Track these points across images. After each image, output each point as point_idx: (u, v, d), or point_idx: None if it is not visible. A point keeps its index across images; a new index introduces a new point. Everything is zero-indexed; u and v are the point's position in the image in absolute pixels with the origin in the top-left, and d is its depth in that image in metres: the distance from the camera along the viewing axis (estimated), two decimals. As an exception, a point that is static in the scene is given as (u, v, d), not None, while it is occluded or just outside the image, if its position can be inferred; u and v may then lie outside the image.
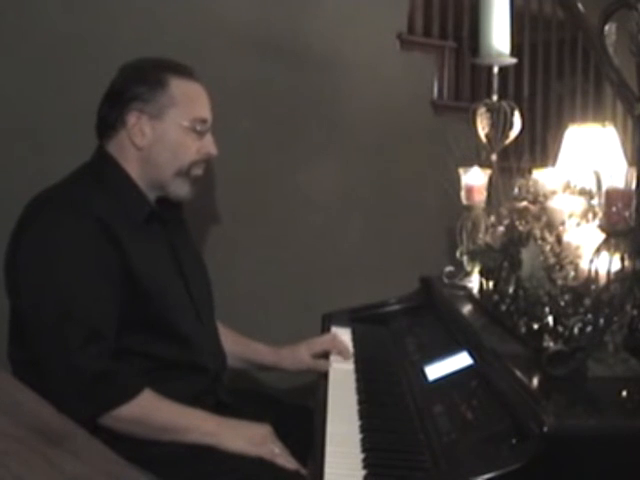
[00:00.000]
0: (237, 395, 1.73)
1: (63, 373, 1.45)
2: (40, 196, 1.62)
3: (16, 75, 2.21)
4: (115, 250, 1.53)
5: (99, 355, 1.46)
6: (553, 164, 2.23)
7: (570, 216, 1.52)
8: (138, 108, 1.63)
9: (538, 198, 1.67)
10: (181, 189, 1.68)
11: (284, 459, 1.49)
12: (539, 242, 1.45)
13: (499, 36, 2.06)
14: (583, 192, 1.59)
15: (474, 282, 1.97)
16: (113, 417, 1.46)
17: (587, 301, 1.23)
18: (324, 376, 1.70)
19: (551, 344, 1.21)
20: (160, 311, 1.58)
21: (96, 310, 1.50)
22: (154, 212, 1.66)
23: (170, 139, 1.65)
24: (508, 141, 2.16)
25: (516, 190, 1.76)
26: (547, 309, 1.30)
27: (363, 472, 1.18)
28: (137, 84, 1.65)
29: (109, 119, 1.66)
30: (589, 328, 1.21)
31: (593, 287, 1.24)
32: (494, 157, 2.15)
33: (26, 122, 2.22)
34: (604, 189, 1.28)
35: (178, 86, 1.66)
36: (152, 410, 1.50)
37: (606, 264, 1.23)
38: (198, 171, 1.70)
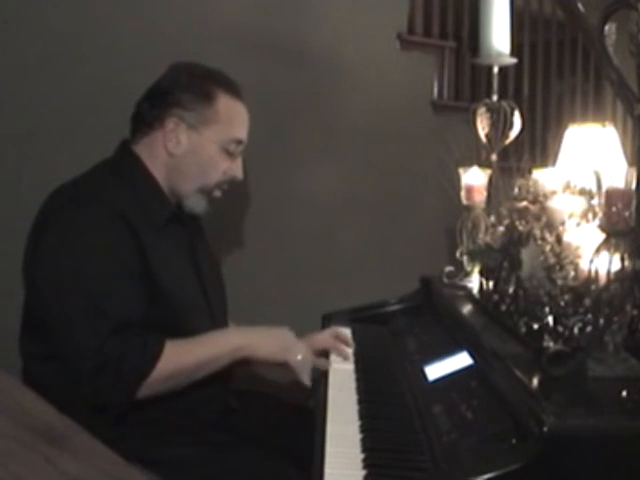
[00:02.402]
0: (239, 396, 1.73)
1: (91, 366, 1.44)
2: (62, 191, 1.61)
3: (15, 76, 2.21)
4: (136, 247, 1.53)
5: (121, 342, 1.46)
6: (553, 164, 2.23)
7: (570, 216, 1.52)
8: (179, 115, 1.62)
9: (538, 198, 1.66)
10: (197, 205, 1.68)
11: (302, 370, 1.59)
12: (539, 242, 1.45)
13: (499, 36, 2.06)
14: (583, 192, 1.59)
15: (474, 282, 1.96)
16: (149, 385, 1.46)
17: (587, 301, 1.23)
18: (324, 376, 1.70)
19: (551, 344, 1.21)
20: (175, 312, 1.57)
21: (122, 301, 1.50)
22: (176, 214, 1.66)
23: (203, 154, 1.64)
24: (508, 141, 2.16)
25: (516, 190, 1.76)
26: (547, 309, 1.30)
27: (363, 472, 1.18)
28: (185, 91, 1.63)
29: (147, 116, 1.65)
30: (589, 328, 1.21)
31: (593, 287, 1.24)
32: (494, 157, 2.15)
33: (25, 123, 2.22)
34: (604, 189, 1.28)
35: (224, 103, 1.65)
36: (180, 358, 1.51)
37: (606, 264, 1.23)
38: (218, 193, 1.71)
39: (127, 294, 1.51)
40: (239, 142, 1.69)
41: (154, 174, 1.64)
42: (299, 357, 1.60)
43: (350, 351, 1.83)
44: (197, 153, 1.64)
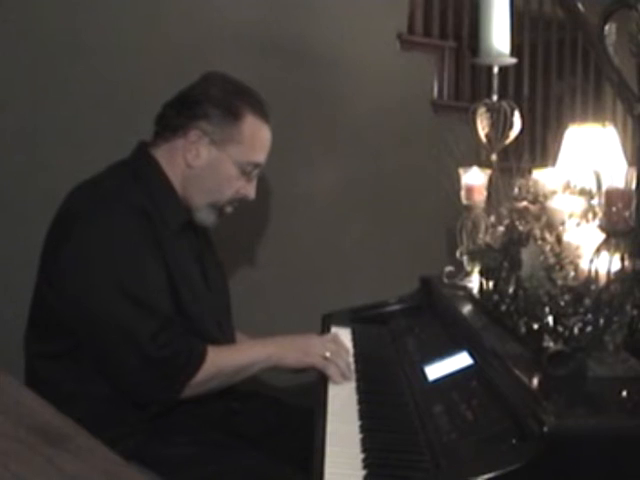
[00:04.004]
0: (241, 397, 1.73)
1: (138, 364, 1.47)
2: (83, 189, 1.60)
3: (15, 76, 2.21)
4: (158, 246, 1.54)
5: (170, 341, 1.48)
6: (553, 164, 2.23)
7: (570, 216, 1.52)
8: (203, 128, 1.62)
9: (538, 198, 1.67)
10: (207, 218, 1.69)
11: (330, 367, 1.60)
12: (539, 242, 1.45)
13: (499, 36, 2.06)
14: (583, 192, 1.59)
15: (474, 282, 1.96)
16: (193, 386, 1.50)
17: (587, 301, 1.23)
18: (324, 376, 1.70)
19: (551, 344, 1.21)
20: (187, 317, 1.58)
21: (162, 297, 1.51)
22: (189, 221, 1.66)
23: (220, 171, 1.65)
24: (508, 141, 2.16)
25: (516, 190, 1.76)
26: (547, 309, 1.30)
27: (363, 472, 1.18)
28: (214, 105, 1.62)
29: (172, 122, 1.64)
30: (589, 328, 1.21)
31: (593, 287, 1.24)
32: (494, 157, 2.15)
33: (25, 123, 2.22)
34: (604, 189, 1.28)
35: (251, 125, 1.65)
36: (221, 362, 1.56)
37: (606, 264, 1.23)
38: (229, 209, 1.72)
39: (164, 291, 1.53)
40: (257, 165, 1.69)
41: (171, 180, 1.64)
42: (327, 355, 1.62)
43: (350, 351, 1.83)
44: (214, 169, 1.64)
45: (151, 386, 1.48)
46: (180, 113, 1.64)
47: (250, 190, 1.71)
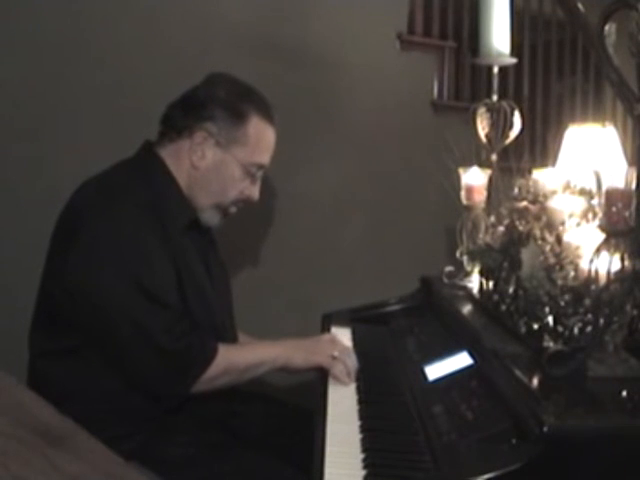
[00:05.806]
0: (241, 397, 1.73)
1: (152, 356, 1.47)
2: (90, 186, 1.60)
3: (17, 77, 2.22)
4: (166, 245, 1.54)
5: (183, 334, 1.49)
6: (553, 164, 2.23)
7: (570, 216, 1.52)
8: (209, 130, 1.62)
9: (538, 198, 1.67)
10: (212, 219, 1.70)
11: (337, 368, 1.62)
12: (539, 242, 1.45)
13: (499, 36, 2.06)
14: (583, 192, 1.59)
15: (474, 282, 1.96)
16: (204, 381, 1.51)
17: (587, 301, 1.23)
18: (324, 376, 1.70)
19: (551, 344, 1.21)
20: (193, 315, 1.57)
21: (173, 292, 1.52)
22: (196, 220, 1.67)
23: (225, 172, 1.65)
24: (508, 141, 2.16)
25: (516, 190, 1.76)
26: (547, 309, 1.30)
27: (363, 472, 1.18)
28: (219, 107, 1.63)
29: (178, 123, 1.65)
30: (589, 328, 1.21)
31: (593, 287, 1.24)
32: (494, 157, 2.15)
33: (26, 122, 2.23)
34: (604, 189, 1.28)
35: (256, 126, 1.66)
36: (232, 358, 1.57)
37: (606, 264, 1.23)
38: (234, 209, 1.72)
39: (173, 287, 1.53)
40: (261, 167, 1.70)
41: (177, 180, 1.64)
42: (335, 354, 1.64)
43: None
44: (219, 170, 1.65)
45: (163, 378, 1.49)
46: (186, 114, 1.64)
47: (254, 191, 1.71)
